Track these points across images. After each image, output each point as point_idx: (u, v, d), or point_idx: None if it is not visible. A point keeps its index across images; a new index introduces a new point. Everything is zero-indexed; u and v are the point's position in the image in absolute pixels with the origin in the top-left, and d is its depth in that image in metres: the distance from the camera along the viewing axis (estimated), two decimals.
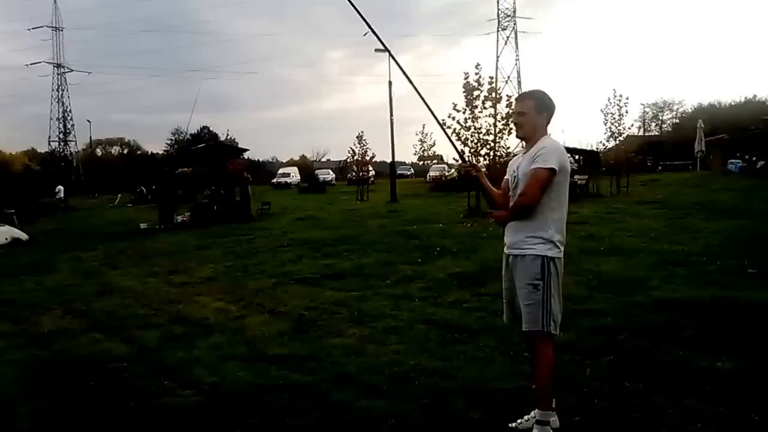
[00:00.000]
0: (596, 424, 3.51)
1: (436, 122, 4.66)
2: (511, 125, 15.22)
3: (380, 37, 4.79)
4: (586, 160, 26.83)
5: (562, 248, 3.44)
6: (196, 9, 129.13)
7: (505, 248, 3.60)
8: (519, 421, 3.54)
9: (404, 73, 4.46)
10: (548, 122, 3.62)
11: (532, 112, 3.56)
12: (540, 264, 3.36)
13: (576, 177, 19.58)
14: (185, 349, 5.49)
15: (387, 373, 4.58)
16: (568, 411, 3.58)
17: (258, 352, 5.32)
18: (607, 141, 22.78)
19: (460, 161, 4.14)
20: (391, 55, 5.17)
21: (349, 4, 4.67)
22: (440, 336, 5.55)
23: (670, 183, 24.17)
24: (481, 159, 16.52)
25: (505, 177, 3.74)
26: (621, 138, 22.76)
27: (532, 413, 3.45)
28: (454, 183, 28.34)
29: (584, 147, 29.58)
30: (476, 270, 8.22)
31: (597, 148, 26.15)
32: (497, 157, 17.31)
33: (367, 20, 4.63)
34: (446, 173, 36.02)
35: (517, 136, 3.88)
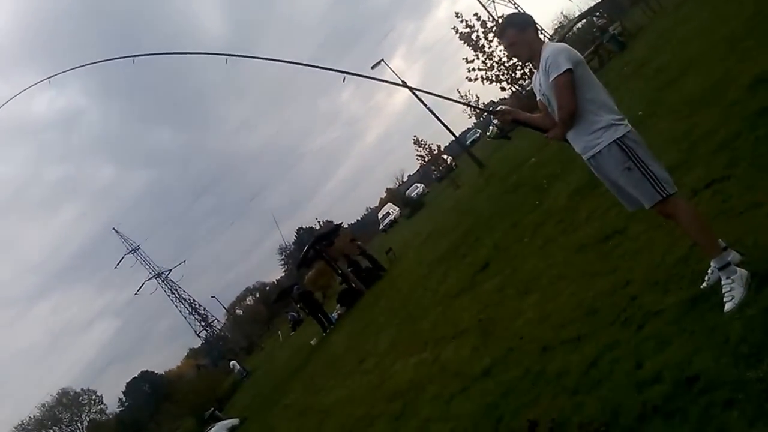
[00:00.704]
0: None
1: (451, 100, 4.84)
2: None
3: (358, 72, 5.10)
4: (607, 8, 25.76)
5: (625, 121, 3.51)
6: (221, 149, 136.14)
7: (582, 156, 3.72)
8: (706, 278, 3.58)
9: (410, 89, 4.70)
10: (537, 32, 3.74)
11: (518, 37, 3.69)
12: (617, 148, 3.44)
13: (610, 29, 18.89)
14: (415, 417, 5.79)
15: (578, 318, 4.69)
16: (739, 240, 3.59)
17: (468, 377, 5.53)
18: None
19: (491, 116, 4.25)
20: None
21: (314, 68, 5.01)
22: (596, 252, 5.61)
23: None
24: (521, 81, 16.38)
25: (538, 98, 3.87)
26: None
27: (711, 264, 3.48)
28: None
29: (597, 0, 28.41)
30: (587, 178, 8.12)
31: None
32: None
33: (338, 69, 4.91)
34: (487, 134, 35.71)
35: (523, 62, 4.03)
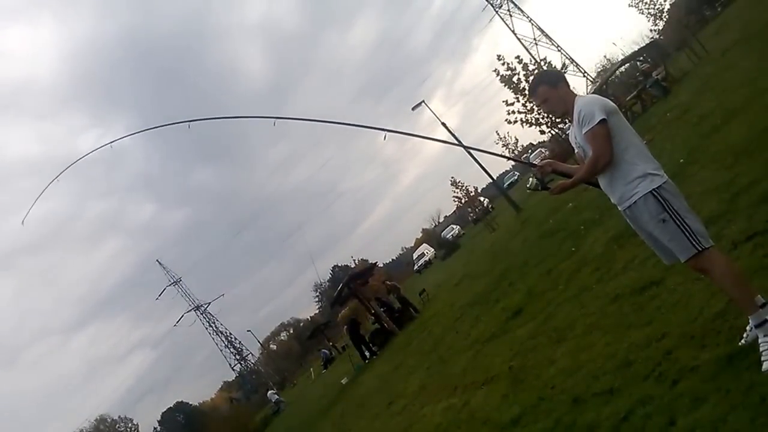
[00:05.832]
0: None
1: (491, 154, 4.86)
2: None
3: (401, 130, 5.29)
4: (651, 53, 25.64)
5: (661, 172, 3.46)
6: (260, 188, 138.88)
7: (618, 207, 3.69)
8: (744, 335, 3.48)
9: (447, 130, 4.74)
10: (568, 86, 3.77)
11: (550, 93, 3.73)
12: (652, 200, 3.40)
13: (653, 74, 18.79)
14: None
15: (611, 370, 4.58)
16: None
17: (497, 425, 5.43)
18: (655, 25, 21.87)
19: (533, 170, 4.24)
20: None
21: (355, 126, 5.19)
22: (631, 303, 5.49)
23: (739, 10, 22.52)
24: (561, 125, 16.31)
25: (576, 151, 3.86)
26: (665, 14, 21.74)
27: (750, 320, 3.38)
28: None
29: (641, 45, 28.32)
30: (625, 225, 7.99)
31: (653, 38, 25.02)
32: None
33: (381, 127, 5.09)
34: (527, 186, 35.73)
35: (558, 117, 4.06)
